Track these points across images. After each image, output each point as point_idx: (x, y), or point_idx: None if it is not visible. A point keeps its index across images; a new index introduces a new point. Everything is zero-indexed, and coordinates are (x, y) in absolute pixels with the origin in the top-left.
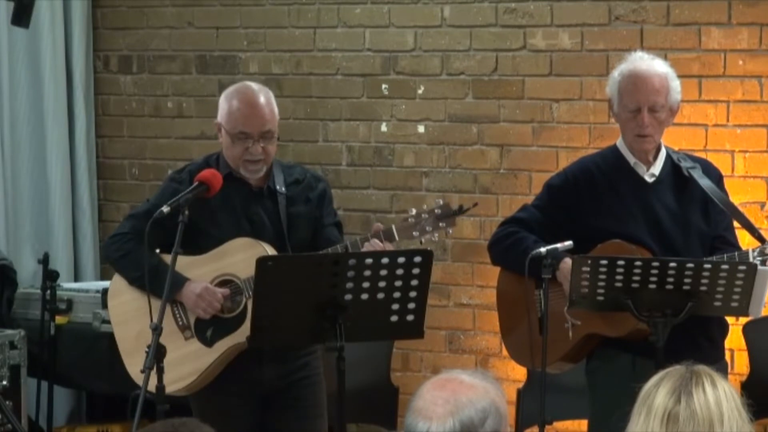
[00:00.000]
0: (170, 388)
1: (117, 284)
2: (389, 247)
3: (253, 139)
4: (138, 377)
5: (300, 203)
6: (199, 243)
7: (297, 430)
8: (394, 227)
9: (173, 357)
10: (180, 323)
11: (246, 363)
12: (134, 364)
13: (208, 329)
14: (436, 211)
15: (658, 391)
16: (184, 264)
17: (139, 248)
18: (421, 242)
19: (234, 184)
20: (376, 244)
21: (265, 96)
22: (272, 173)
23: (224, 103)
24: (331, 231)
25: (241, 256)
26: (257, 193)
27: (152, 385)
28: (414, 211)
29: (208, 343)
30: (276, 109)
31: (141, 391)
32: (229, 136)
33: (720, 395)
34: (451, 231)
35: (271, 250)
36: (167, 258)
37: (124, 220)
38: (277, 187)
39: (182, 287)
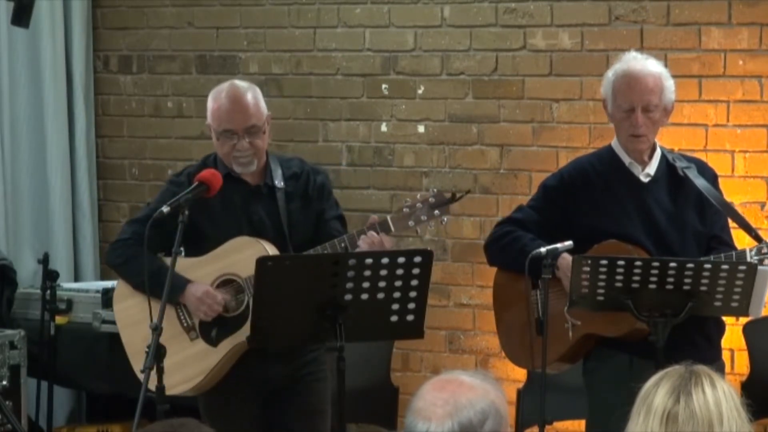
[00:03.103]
0: (177, 389)
1: (122, 288)
2: (386, 239)
3: (239, 135)
4: None
5: (299, 198)
6: (200, 245)
7: (300, 426)
8: (389, 218)
9: (179, 358)
10: (185, 324)
11: (251, 362)
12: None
13: (213, 329)
14: (430, 199)
15: (657, 391)
16: (186, 266)
17: (141, 253)
18: (417, 232)
19: (232, 184)
20: (372, 236)
21: (250, 92)
22: (269, 168)
23: (210, 103)
24: (333, 225)
25: (241, 255)
26: (255, 191)
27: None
28: (408, 201)
29: (213, 342)
30: (262, 105)
31: (142, 390)
32: (215, 134)
33: (719, 395)
34: (446, 219)
35: (271, 248)
36: (169, 261)
37: (126, 225)
38: (275, 182)
39: (184, 289)
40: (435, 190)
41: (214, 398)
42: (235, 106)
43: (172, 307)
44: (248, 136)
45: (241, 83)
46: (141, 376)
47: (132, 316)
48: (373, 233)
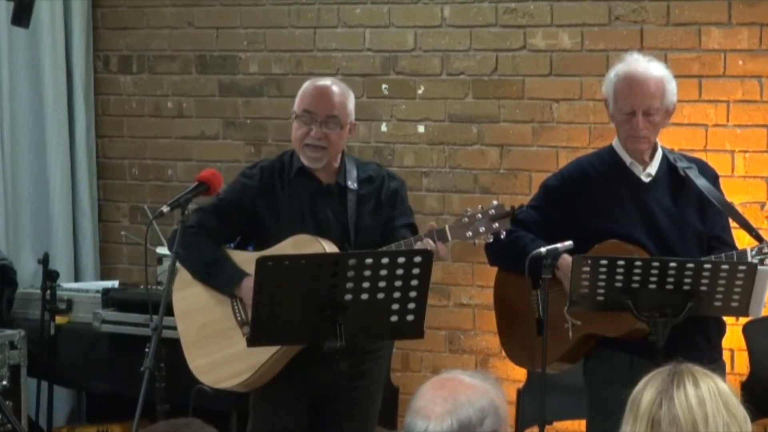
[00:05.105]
0: (227, 384)
1: (183, 277)
2: (441, 247)
3: (317, 121)
4: (197, 370)
5: (371, 202)
6: (265, 237)
7: None
8: (447, 228)
9: (231, 352)
10: (239, 318)
11: (305, 363)
12: (194, 358)
13: None
14: (490, 212)
15: (643, 396)
16: (245, 259)
17: (201, 242)
18: (474, 243)
19: (303, 180)
20: (428, 244)
21: (338, 87)
22: (344, 168)
23: (300, 90)
24: (402, 232)
25: (299, 253)
26: (326, 190)
27: (210, 380)
28: (468, 212)
29: None
30: (350, 105)
31: (141, 390)
32: (295, 116)
33: (703, 395)
34: (504, 233)
35: (330, 247)
36: (232, 253)
37: (192, 213)
38: (348, 183)
39: (241, 282)
40: (495, 202)
41: (264, 395)
42: (321, 93)
43: (228, 299)
44: (325, 126)
45: (336, 80)
46: (192, 367)
47: (190, 305)
48: (429, 240)
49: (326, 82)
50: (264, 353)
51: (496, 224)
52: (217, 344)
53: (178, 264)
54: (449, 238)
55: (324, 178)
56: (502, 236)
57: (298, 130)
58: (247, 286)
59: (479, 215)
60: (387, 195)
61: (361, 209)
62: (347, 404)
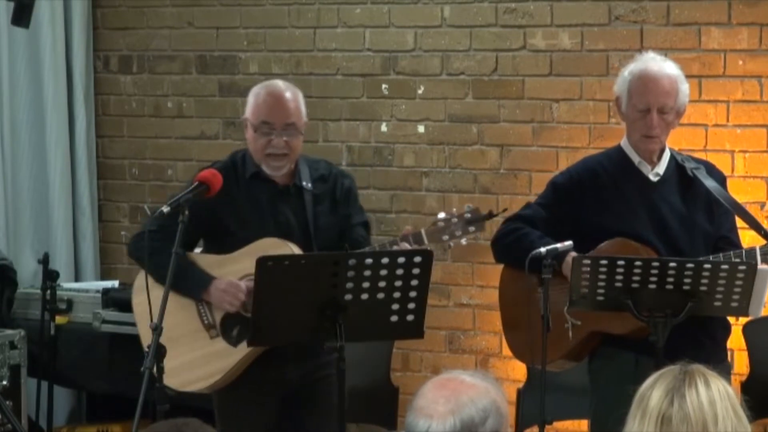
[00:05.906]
0: (193, 387)
1: (141, 281)
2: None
3: (276, 131)
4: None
5: (326, 201)
6: (224, 241)
7: (315, 429)
8: (423, 231)
9: (197, 355)
10: (206, 322)
11: (271, 362)
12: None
13: (234, 329)
14: (466, 215)
15: (652, 394)
16: (211, 263)
17: (165, 247)
18: (449, 246)
19: (260, 183)
20: (405, 247)
21: (291, 91)
22: (298, 169)
23: (251, 97)
24: (358, 231)
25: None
26: (283, 192)
27: (177, 383)
28: (443, 215)
29: (234, 342)
30: (302, 107)
31: (142, 390)
32: (252, 128)
33: (714, 395)
34: (480, 237)
35: (297, 250)
36: (194, 257)
37: (153, 218)
38: (303, 183)
39: (209, 287)
40: (471, 206)
41: (230, 395)
42: (276, 101)
43: (192, 303)
44: (285, 134)
45: (283, 82)
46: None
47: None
48: (406, 245)
49: (277, 87)
50: (233, 355)
51: (472, 227)
52: (184, 347)
53: (143, 268)
54: (426, 241)
55: (280, 180)
56: (477, 239)
57: (258, 140)
58: (215, 287)
59: (455, 219)
60: (341, 193)
61: (317, 208)
62: (314, 398)
